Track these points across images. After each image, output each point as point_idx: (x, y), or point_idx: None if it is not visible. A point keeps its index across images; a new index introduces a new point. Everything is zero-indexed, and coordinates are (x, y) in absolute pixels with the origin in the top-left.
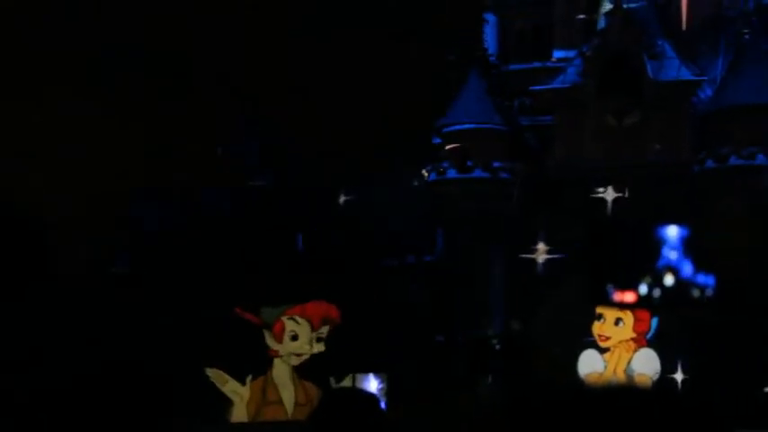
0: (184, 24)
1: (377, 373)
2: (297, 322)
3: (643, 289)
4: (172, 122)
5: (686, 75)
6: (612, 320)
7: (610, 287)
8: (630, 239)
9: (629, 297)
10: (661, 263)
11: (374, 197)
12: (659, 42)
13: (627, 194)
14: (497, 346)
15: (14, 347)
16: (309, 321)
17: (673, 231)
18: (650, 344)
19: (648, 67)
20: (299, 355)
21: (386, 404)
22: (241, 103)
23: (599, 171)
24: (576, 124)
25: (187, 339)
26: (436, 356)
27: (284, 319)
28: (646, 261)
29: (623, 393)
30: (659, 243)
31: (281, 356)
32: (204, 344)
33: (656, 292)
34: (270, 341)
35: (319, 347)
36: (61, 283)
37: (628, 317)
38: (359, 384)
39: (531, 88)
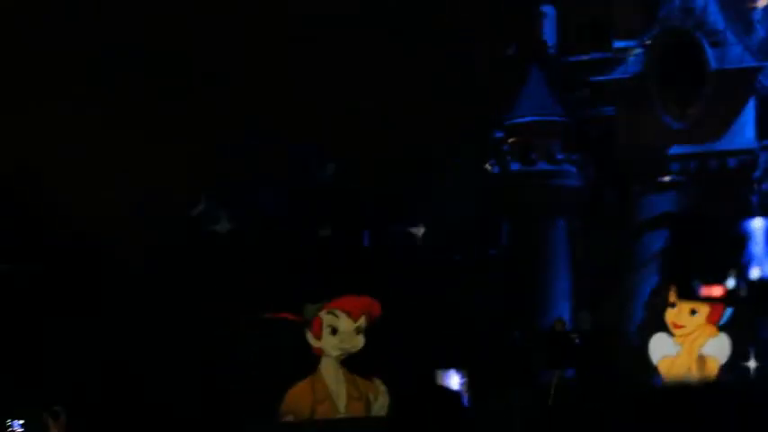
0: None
1: (458, 368)
2: (335, 315)
3: (730, 283)
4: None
5: (750, 62)
6: (688, 310)
7: (696, 281)
8: (715, 232)
9: (716, 291)
10: (747, 256)
11: (437, 193)
12: (721, 29)
13: (691, 186)
14: (577, 341)
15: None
16: (348, 314)
17: (758, 224)
18: (723, 330)
19: (710, 55)
20: (342, 349)
21: (468, 400)
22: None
23: (662, 162)
24: (638, 115)
25: (232, 343)
26: (514, 352)
27: (321, 314)
28: (733, 254)
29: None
30: (744, 236)
31: (325, 354)
32: (249, 348)
33: (743, 287)
34: (310, 339)
35: (360, 340)
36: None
37: (703, 307)
38: (441, 380)
39: (591, 79)
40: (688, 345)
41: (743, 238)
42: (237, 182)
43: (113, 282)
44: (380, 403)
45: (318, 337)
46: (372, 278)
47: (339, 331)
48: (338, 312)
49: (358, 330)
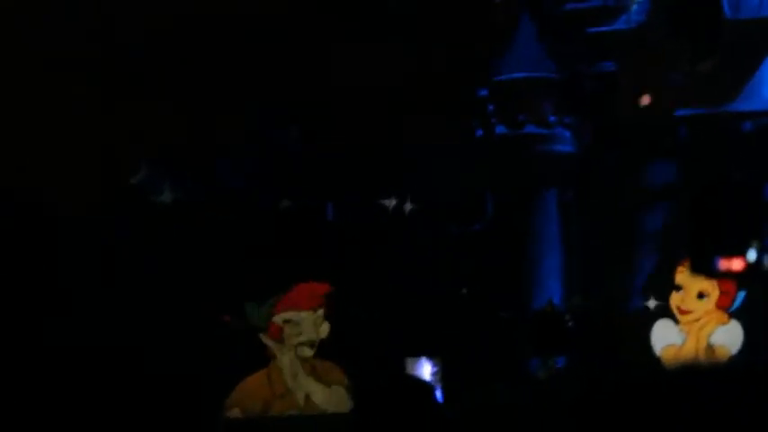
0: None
1: (429, 356)
2: (292, 315)
3: (752, 255)
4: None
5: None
6: (695, 293)
7: (714, 255)
8: (735, 198)
9: (737, 265)
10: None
11: (412, 160)
12: None
13: (702, 151)
14: (570, 323)
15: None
16: (302, 309)
17: None
18: (735, 317)
19: (725, 2)
20: (311, 344)
21: (441, 391)
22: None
23: (669, 125)
24: (643, 71)
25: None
26: (499, 335)
27: (276, 318)
28: (755, 223)
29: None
30: (766, 204)
31: (284, 349)
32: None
33: (766, 260)
34: (268, 342)
35: (324, 329)
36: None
37: (714, 289)
38: (410, 370)
39: (588, 30)
40: (695, 333)
41: (764, 207)
42: (184, 146)
43: (40, 260)
44: (336, 391)
45: (279, 339)
46: (333, 257)
47: (302, 329)
48: (294, 312)
49: (320, 319)
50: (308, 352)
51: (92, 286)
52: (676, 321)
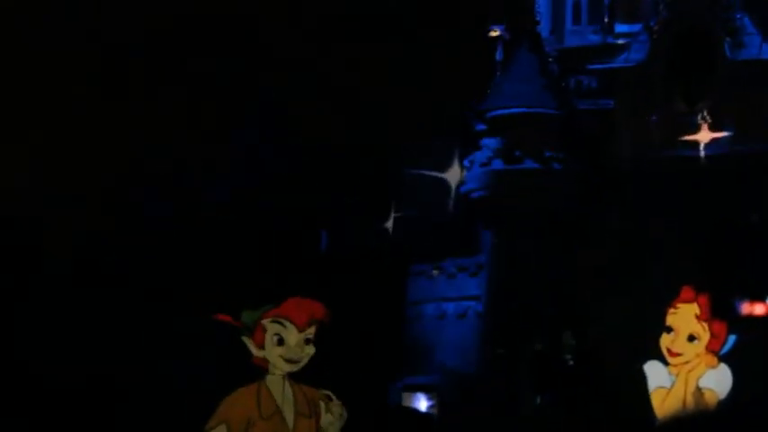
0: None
1: (425, 391)
2: (281, 324)
3: None
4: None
5: None
6: (686, 336)
7: (736, 298)
8: (753, 241)
9: (759, 309)
10: None
11: (405, 192)
12: (738, 16)
13: (701, 190)
14: (571, 362)
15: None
16: (293, 322)
17: None
18: (724, 361)
19: (725, 44)
20: (290, 361)
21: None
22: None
23: (666, 162)
24: (641, 109)
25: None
26: (495, 372)
27: (264, 322)
28: None
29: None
30: None
31: (271, 367)
32: (186, 354)
33: None
34: (252, 349)
35: (309, 350)
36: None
37: (705, 332)
38: (407, 402)
39: (588, 67)
40: (684, 375)
41: None
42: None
43: (36, 272)
44: (329, 419)
45: (261, 346)
46: (326, 282)
47: (286, 342)
48: (284, 321)
49: (307, 340)
50: (288, 368)
51: (93, 288)
52: (666, 363)
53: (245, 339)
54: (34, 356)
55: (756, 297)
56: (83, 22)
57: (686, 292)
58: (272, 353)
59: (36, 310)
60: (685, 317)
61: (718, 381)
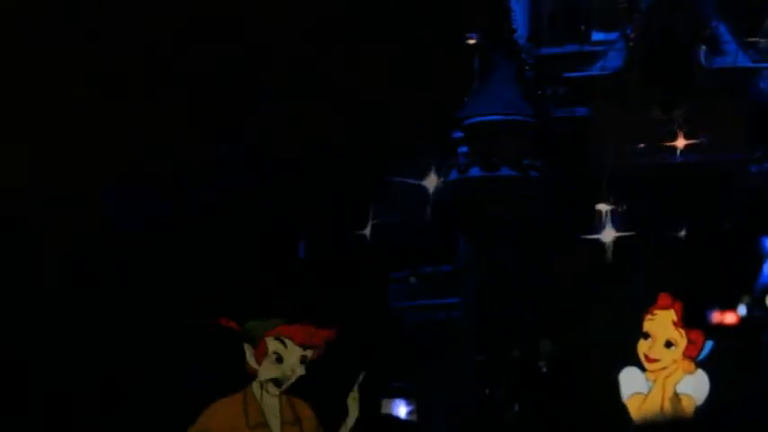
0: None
1: (405, 397)
2: (284, 344)
3: (742, 310)
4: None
5: (744, 61)
6: (663, 342)
7: (707, 307)
8: (728, 251)
9: (730, 318)
10: (762, 279)
11: (382, 199)
12: (713, 23)
13: (676, 198)
14: (544, 369)
15: None
16: (296, 344)
17: None
18: (702, 367)
19: (701, 52)
20: (278, 383)
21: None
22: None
23: (642, 170)
24: (617, 117)
25: (157, 352)
26: (474, 380)
27: (269, 339)
28: (747, 276)
29: None
30: (760, 256)
31: (260, 380)
32: (176, 358)
33: (757, 314)
34: (250, 359)
35: (300, 371)
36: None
37: (682, 339)
38: (386, 410)
39: (565, 75)
40: (661, 381)
41: (757, 258)
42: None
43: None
44: (309, 428)
45: (260, 361)
46: (305, 289)
47: (284, 362)
48: (286, 340)
49: (303, 361)
50: (274, 390)
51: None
52: (643, 369)
53: (246, 347)
54: (33, 357)
55: (727, 306)
56: (81, 22)
57: (663, 298)
58: (266, 371)
59: (36, 310)
60: (662, 323)
61: (695, 387)
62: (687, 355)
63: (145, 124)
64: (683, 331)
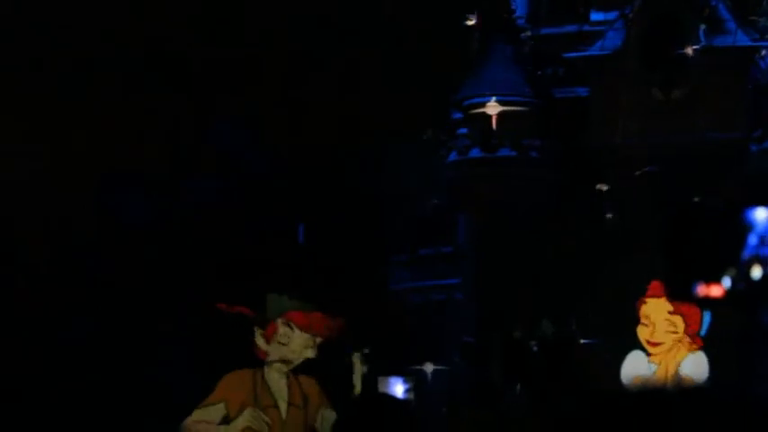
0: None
1: (403, 375)
2: (291, 329)
3: (726, 283)
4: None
5: (744, 40)
6: (663, 326)
7: (693, 280)
8: (713, 223)
9: (715, 291)
10: (747, 252)
11: (383, 181)
12: (713, 2)
13: (674, 178)
14: (535, 348)
15: None
16: (302, 329)
17: (762, 215)
18: (704, 345)
19: (700, 30)
20: (287, 361)
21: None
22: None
23: (640, 150)
24: (616, 96)
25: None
26: (466, 360)
27: (279, 321)
28: (732, 249)
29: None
30: (745, 228)
31: (269, 361)
32: (188, 345)
33: (741, 287)
34: (259, 340)
35: (308, 354)
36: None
37: (678, 320)
38: (383, 388)
39: (564, 55)
40: (665, 363)
41: (743, 231)
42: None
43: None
44: (314, 407)
45: (269, 341)
46: (307, 273)
47: (290, 345)
48: (293, 326)
49: (311, 345)
50: (283, 367)
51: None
52: (647, 353)
53: (257, 330)
54: (32, 358)
55: (712, 279)
56: (77, 22)
57: (654, 287)
58: (275, 351)
59: (35, 311)
60: (658, 308)
61: (695, 366)
62: (689, 333)
63: (135, 124)
64: (679, 317)
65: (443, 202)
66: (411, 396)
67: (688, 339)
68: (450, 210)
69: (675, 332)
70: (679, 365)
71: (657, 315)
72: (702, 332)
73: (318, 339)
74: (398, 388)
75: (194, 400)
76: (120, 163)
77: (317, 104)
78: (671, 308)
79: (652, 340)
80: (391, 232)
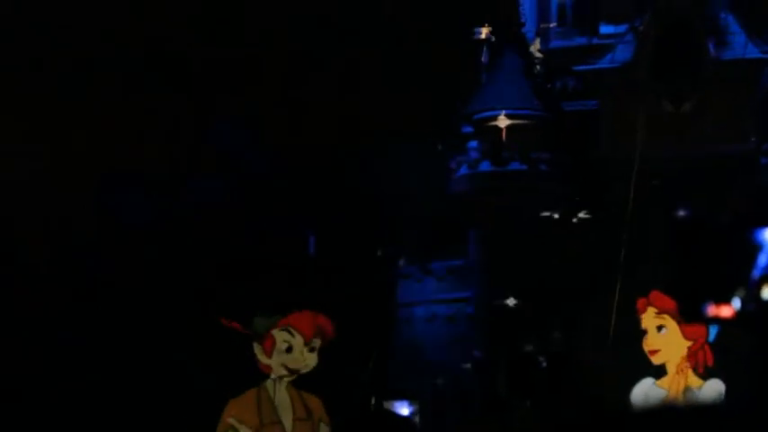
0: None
1: (406, 398)
2: (290, 333)
3: (736, 303)
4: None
5: (753, 52)
6: (654, 329)
7: (703, 301)
8: (722, 243)
9: (725, 312)
10: (757, 272)
11: (393, 194)
12: (722, 15)
13: (685, 191)
14: (543, 364)
15: None
16: (301, 332)
17: None
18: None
19: (710, 43)
20: (291, 370)
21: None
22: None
23: (651, 163)
24: (626, 109)
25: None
26: (475, 375)
27: (275, 331)
28: (742, 268)
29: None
30: (755, 248)
31: (272, 373)
32: (188, 357)
33: (751, 307)
34: (260, 355)
35: (311, 361)
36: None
37: (668, 321)
38: (389, 406)
39: (574, 68)
40: (675, 388)
41: (753, 250)
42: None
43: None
44: (317, 420)
45: (269, 354)
46: (325, 290)
47: (294, 350)
48: (292, 330)
49: (312, 349)
50: (289, 377)
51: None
52: (658, 377)
53: (256, 346)
54: (31, 358)
55: (722, 299)
56: (77, 22)
57: (640, 303)
58: (278, 360)
59: (35, 311)
60: (648, 316)
61: (710, 396)
62: (690, 337)
63: (136, 125)
64: (666, 316)
65: (453, 205)
66: (416, 417)
67: (693, 349)
68: (461, 223)
69: (666, 329)
70: (690, 391)
71: (650, 323)
72: (710, 339)
73: (318, 342)
74: (403, 410)
75: (194, 400)
76: (120, 163)
77: (317, 104)
78: (656, 310)
79: (651, 348)
80: (400, 243)
